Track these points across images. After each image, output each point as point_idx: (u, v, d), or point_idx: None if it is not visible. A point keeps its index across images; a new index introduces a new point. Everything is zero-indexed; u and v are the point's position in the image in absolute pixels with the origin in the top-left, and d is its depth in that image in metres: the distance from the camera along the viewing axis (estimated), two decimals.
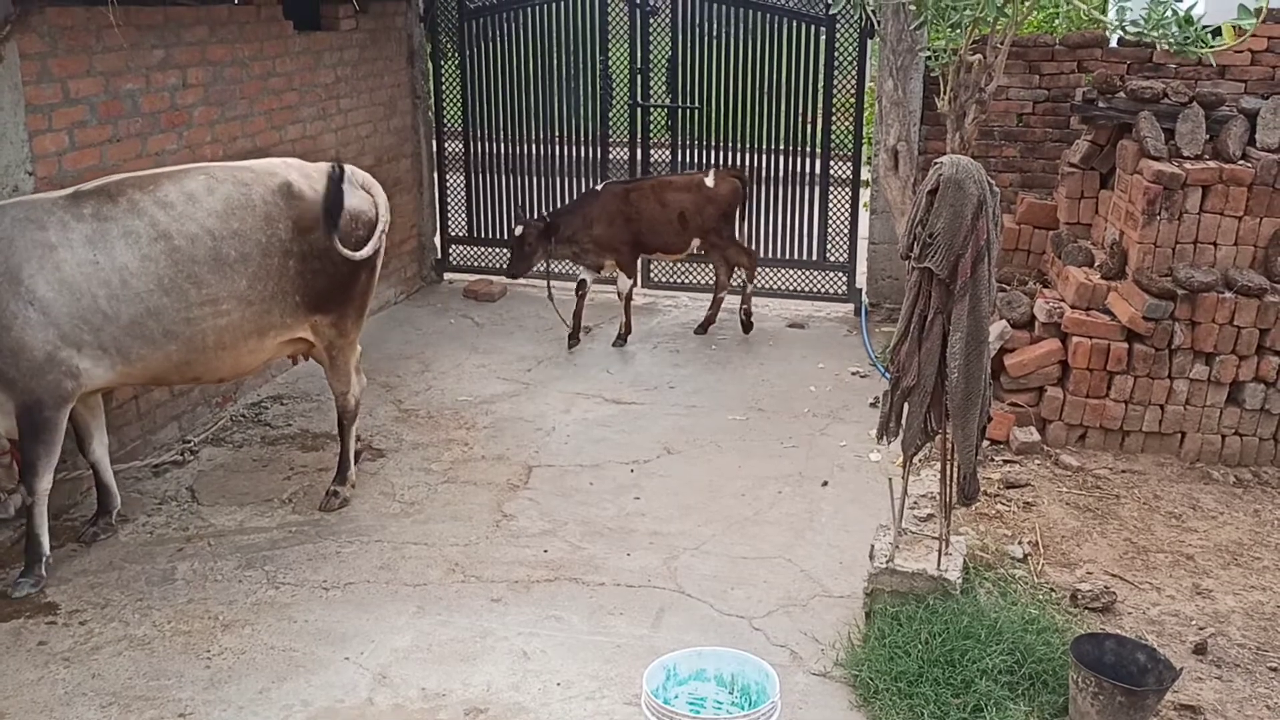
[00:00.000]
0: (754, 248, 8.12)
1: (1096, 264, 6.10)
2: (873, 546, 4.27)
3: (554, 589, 4.58)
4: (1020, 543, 4.91)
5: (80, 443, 4.89)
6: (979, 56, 6.54)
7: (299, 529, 5.04)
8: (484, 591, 4.56)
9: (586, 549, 4.91)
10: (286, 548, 4.87)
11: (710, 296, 7.99)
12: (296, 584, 4.59)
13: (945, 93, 6.77)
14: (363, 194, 4.98)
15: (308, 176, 4.83)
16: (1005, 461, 5.68)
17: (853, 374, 7.12)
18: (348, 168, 4.98)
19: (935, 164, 3.74)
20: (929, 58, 7.02)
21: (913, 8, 6.71)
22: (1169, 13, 5.40)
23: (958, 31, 6.25)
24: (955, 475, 4.05)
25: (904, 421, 3.95)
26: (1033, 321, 6.03)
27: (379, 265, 5.11)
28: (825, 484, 5.56)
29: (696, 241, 7.57)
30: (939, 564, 4.09)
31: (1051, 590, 4.54)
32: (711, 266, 8.02)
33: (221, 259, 4.55)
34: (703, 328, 7.87)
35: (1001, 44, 6.47)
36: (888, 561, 4.11)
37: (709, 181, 7.53)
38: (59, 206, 4.36)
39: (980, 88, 6.58)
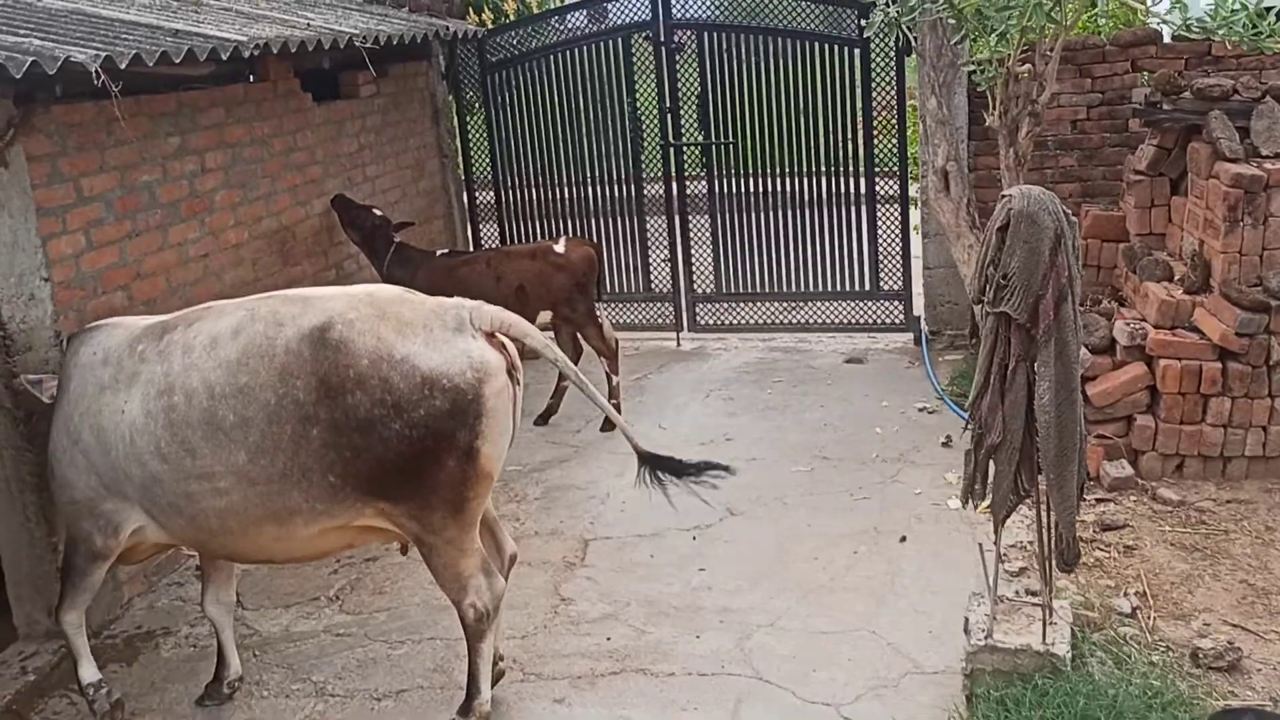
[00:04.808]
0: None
1: (1176, 277, 5.67)
2: (967, 619, 3.89)
3: (620, 683, 4.25)
4: (1126, 594, 4.49)
5: (201, 590, 4.33)
6: (1028, 66, 6.19)
7: (347, 631, 4.75)
8: (545, 691, 4.23)
9: (652, 633, 4.57)
10: (335, 654, 4.59)
11: (758, 336, 7.61)
12: (346, 695, 4.30)
13: (995, 107, 6.43)
14: (457, 346, 3.55)
15: (384, 318, 3.56)
16: (1098, 500, 5.25)
17: (920, 410, 6.73)
18: (474, 308, 3.68)
19: (1003, 197, 3.39)
20: (973, 72, 6.67)
21: (952, 21, 6.40)
22: (1236, 6, 5.03)
23: (1004, 42, 5.91)
24: (1053, 537, 3.66)
25: (991, 482, 3.57)
26: (1113, 345, 5.61)
27: (487, 447, 3.61)
28: (903, 539, 5.17)
29: (547, 315, 6.70)
30: (1044, 636, 3.69)
31: (1168, 649, 4.11)
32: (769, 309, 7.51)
33: (216, 424, 3.58)
34: (544, 418, 6.99)
35: (1051, 51, 6.12)
36: (986, 637, 3.72)
37: (558, 248, 6.69)
38: (132, 340, 3.86)
39: (1032, 99, 6.22)
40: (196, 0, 6.30)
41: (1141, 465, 5.42)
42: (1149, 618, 4.33)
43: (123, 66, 4.31)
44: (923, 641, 4.33)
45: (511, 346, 3.74)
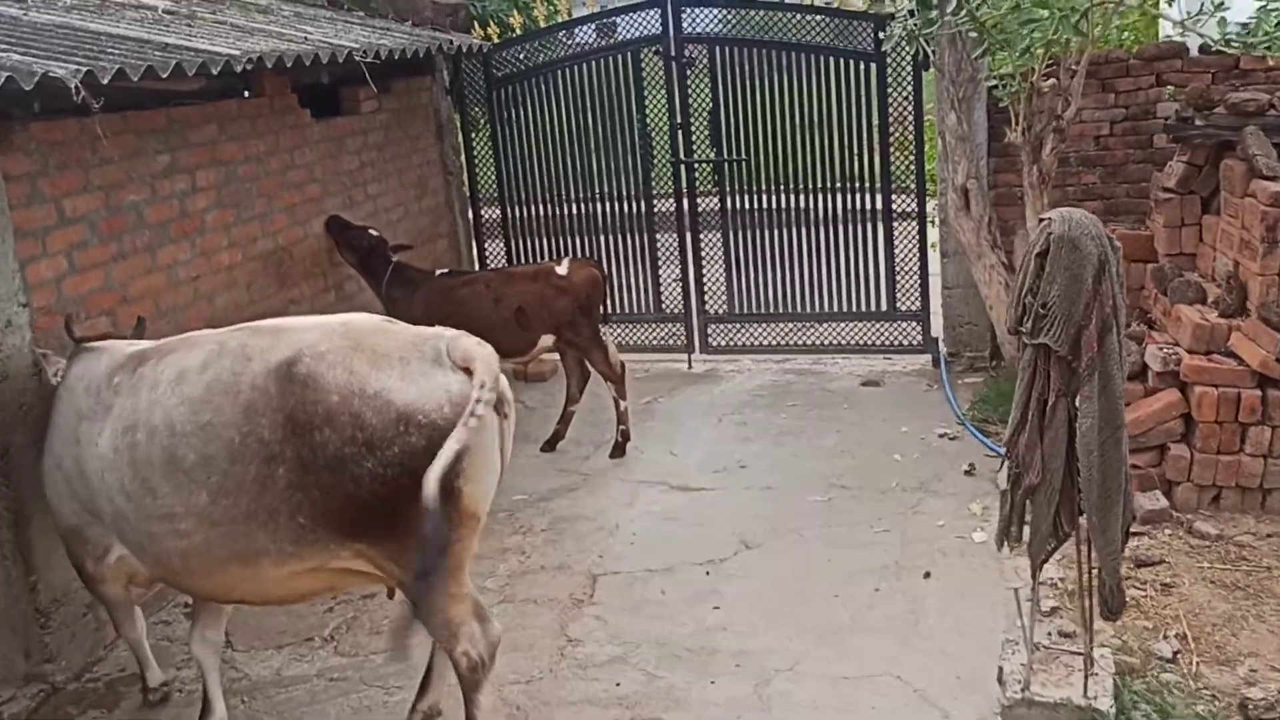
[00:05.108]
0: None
1: (1210, 300, 5.42)
2: (1001, 669, 3.63)
3: None
4: (1166, 636, 4.22)
5: (190, 628, 4.18)
6: (1053, 81, 5.95)
7: (341, 675, 4.51)
8: None
9: (664, 678, 4.32)
10: (328, 700, 4.34)
11: (772, 358, 7.38)
12: None
13: (1017, 123, 6.20)
14: (435, 380, 3.31)
15: (358, 350, 3.31)
16: (1132, 534, 4.97)
17: (940, 436, 6.47)
18: (451, 339, 3.42)
19: (1042, 221, 3.15)
20: (994, 87, 6.44)
21: (973, 35, 6.17)
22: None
23: (1028, 56, 5.69)
24: (1094, 583, 3.41)
25: (1029, 525, 3.32)
26: (1145, 371, 5.36)
27: (469, 487, 3.34)
28: (927, 575, 4.91)
29: (550, 339, 6.49)
30: (1085, 689, 3.43)
31: (1214, 698, 3.85)
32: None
33: (176, 463, 3.37)
34: (550, 444, 6.76)
35: (1077, 65, 5.89)
36: (1023, 689, 3.46)
37: (560, 270, 6.43)
38: (112, 368, 3.72)
39: (1057, 115, 5.98)
40: (190, 14, 6.10)
41: (1176, 497, 5.15)
42: (1192, 663, 4.07)
43: (105, 81, 4.10)
44: (951, 689, 4.07)
45: (502, 378, 3.45)
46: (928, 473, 5.99)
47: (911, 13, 6.27)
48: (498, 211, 8.59)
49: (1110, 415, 3.12)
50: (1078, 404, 3.13)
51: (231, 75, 5.02)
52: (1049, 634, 4.11)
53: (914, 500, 5.69)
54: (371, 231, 6.61)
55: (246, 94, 6.05)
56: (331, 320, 3.54)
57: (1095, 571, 3.38)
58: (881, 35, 7.07)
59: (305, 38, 6.04)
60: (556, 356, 7.36)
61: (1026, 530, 3.48)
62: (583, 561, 5.35)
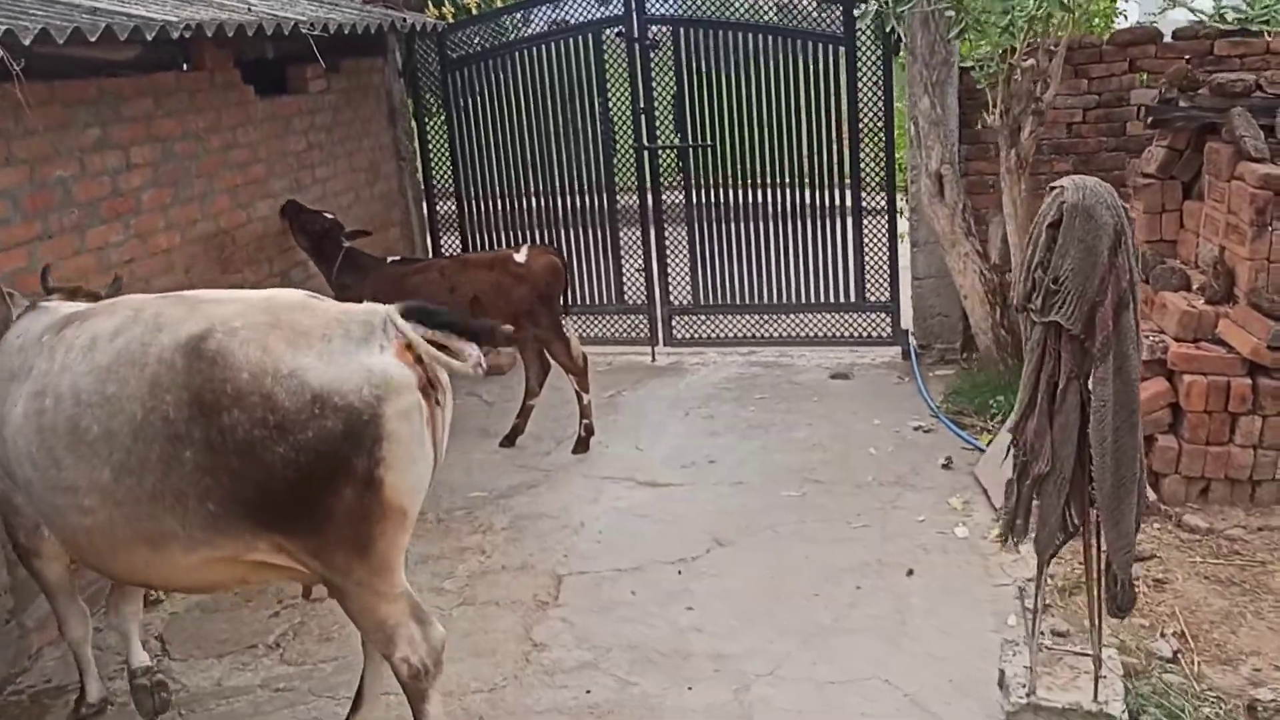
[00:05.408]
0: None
1: (1195, 287, 5.26)
2: (1002, 672, 3.40)
3: None
4: (1164, 635, 4.03)
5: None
6: (1031, 62, 5.77)
7: (288, 684, 4.17)
8: None
9: (637, 684, 4.04)
10: (273, 712, 4.01)
11: (737, 350, 7.10)
12: None
13: (995, 106, 6.01)
14: (357, 360, 3.02)
15: (277, 326, 3.04)
16: None
17: (915, 429, 6.27)
18: (388, 314, 3.12)
19: (1054, 189, 2.92)
20: (969, 68, 6.25)
21: (950, 14, 5.97)
22: None
23: (1007, 35, 5.49)
24: (1103, 577, 3.19)
25: (1037, 517, 3.09)
26: None
27: (392, 477, 3.05)
28: (910, 573, 4.69)
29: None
30: (1095, 693, 3.21)
31: (1219, 700, 3.65)
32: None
33: (80, 435, 3.11)
34: (509, 439, 6.44)
35: (1056, 46, 5.71)
36: (1029, 694, 3.23)
37: (519, 257, 6.14)
38: (46, 328, 3.47)
39: (1036, 97, 5.81)
40: None
41: (1164, 489, 4.98)
42: (1193, 663, 3.87)
43: (27, 43, 3.74)
44: (944, 693, 3.83)
45: (439, 358, 3.15)
46: (904, 466, 5.78)
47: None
48: (453, 203, 8.27)
49: (1126, 399, 2.91)
50: (1090, 387, 2.91)
51: (168, 44, 4.67)
52: (1043, 633, 3.90)
53: (891, 495, 5.47)
54: (326, 215, 6.28)
55: (185, 67, 5.68)
56: (255, 295, 3.27)
57: (1106, 567, 3.15)
58: (856, 13, 6.86)
59: (248, 8, 5.68)
60: (514, 349, 7.07)
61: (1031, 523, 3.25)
62: (547, 561, 5.07)
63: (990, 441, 5.76)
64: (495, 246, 8.12)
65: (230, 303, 3.18)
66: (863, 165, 7.45)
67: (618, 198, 7.91)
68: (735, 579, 4.78)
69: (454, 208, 8.27)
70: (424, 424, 3.13)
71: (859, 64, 7.23)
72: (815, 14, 7.35)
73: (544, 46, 7.76)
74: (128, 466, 3.07)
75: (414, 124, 8.12)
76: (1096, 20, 7.73)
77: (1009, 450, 3.10)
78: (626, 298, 8.08)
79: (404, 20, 7.09)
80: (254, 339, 3.01)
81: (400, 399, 3.03)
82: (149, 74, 5.22)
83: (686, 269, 7.92)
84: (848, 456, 5.97)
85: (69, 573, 3.76)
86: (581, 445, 6.33)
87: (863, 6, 6.26)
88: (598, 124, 7.74)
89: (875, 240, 7.55)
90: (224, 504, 3.05)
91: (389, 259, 6.47)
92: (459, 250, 8.25)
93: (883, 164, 7.46)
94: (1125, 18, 7.63)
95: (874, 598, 4.53)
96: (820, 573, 4.75)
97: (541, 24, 8.01)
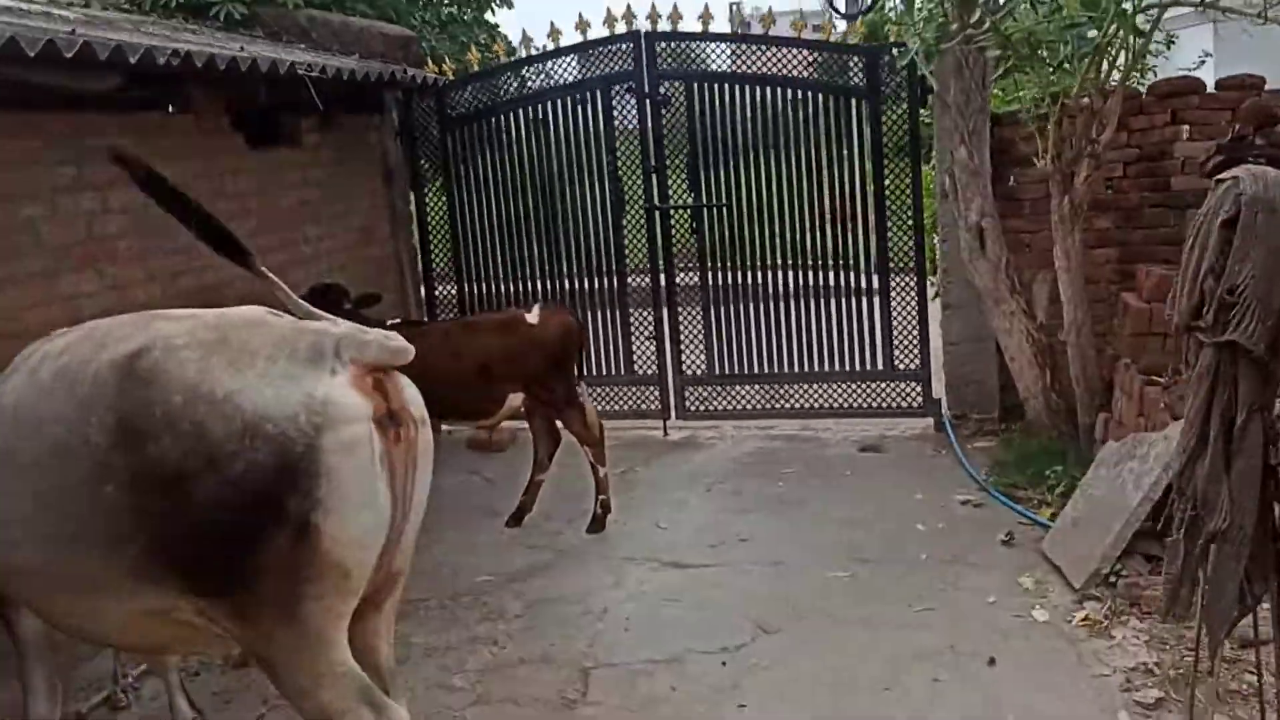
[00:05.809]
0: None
1: None
2: None
3: None
4: None
5: None
6: (1085, 100, 5.41)
7: None
8: None
9: None
10: None
11: (755, 423, 6.59)
12: None
13: (1045, 152, 5.63)
14: (299, 383, 2.55)
15: (223, 344, 2.60)
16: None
17: (963, 503, 5.73)
18: (344, 334, 2.66)
19: (1228, 182, 2.45)
20: (1018, 111, 5.89)
21: (993, 55, 5.62)
22: None
23: (1063, 71, 5.13)
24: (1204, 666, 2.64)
25: (1208, 586, 2.55)
26: None
27: (330, 524, 2.52)
28: (992, 662, 4.10)
29: (519, 398, 5.64)
30: None
31: None
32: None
33: (10, 457, 2.68)
34: (515, 519, 5.88)
35: (1114, 84, 5.36)
36: None
37: (531, 319, 5.63)
38: (35, 347, 3.03)
39: (1092, 139, 5.43)
40: (109, 21, 5.29)
41: None
42: None
43: None
44: None
45: (404, 388, 2.73)
46: (959, 544, 5.24)
47: (920, 37, 5.74)
48: (449, 255, 7.81)
49: None
50: (1277, 421, 2.40)
51: (155, 81, 4.25)
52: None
53: (951, 574, 4.91)
54: (327, 282, 5.79)
55: (171, 109, 5.22)
56: (210, 311, 2.80)
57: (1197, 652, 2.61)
58: (895, 54, 6.52)
59: (241, 48, 5.25)
60: (512, 425, 6.52)
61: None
62: (569, 651, 4.46)
63: (1053, 515, 5.23)
64: (497, 301, 7.63)
65: (184, 319, 2.73)
66: (889, 222, 7.04)
67: (626, 257, 7.47)
68: (790, 671, 4.18)
69: (449, 258, 7.80)
70: (376, 462, 2.59)
71: (884, 115, 6.88)
72: (837, 67, 7.02)
73: (550, 103, 7.39)
74: (50, 499, 2.63)
75: (411, 192, 7.70)
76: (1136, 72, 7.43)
77: (1170, 502, 2.58)
78: (636, 368, 7.58)
79: (404, 71, 6.71)
80: (193, 359, 2.56)
81: (343, 430, 2.53)
82: (132, 112, 4.76)
83: (700, 336, 7.45)
84: (894, 533, 5.43)
85: (44, 630, 3.13)
86: (597, 524, 5.75)
87: (896, 52, 5.91)
88: (606, 181, 7.34)
89: (903, 303, 7.10)
90: (149, 550, 2.56)
91: (388, 322, 5.95)
92: (458, 309, 7.78)
93: (911, 220, 7.05)
94: (1155, 73, 7.31)
95: (956, 691, 3.94)
96: (888, 663, 4.16)
97: (546, 79, 7.65)
